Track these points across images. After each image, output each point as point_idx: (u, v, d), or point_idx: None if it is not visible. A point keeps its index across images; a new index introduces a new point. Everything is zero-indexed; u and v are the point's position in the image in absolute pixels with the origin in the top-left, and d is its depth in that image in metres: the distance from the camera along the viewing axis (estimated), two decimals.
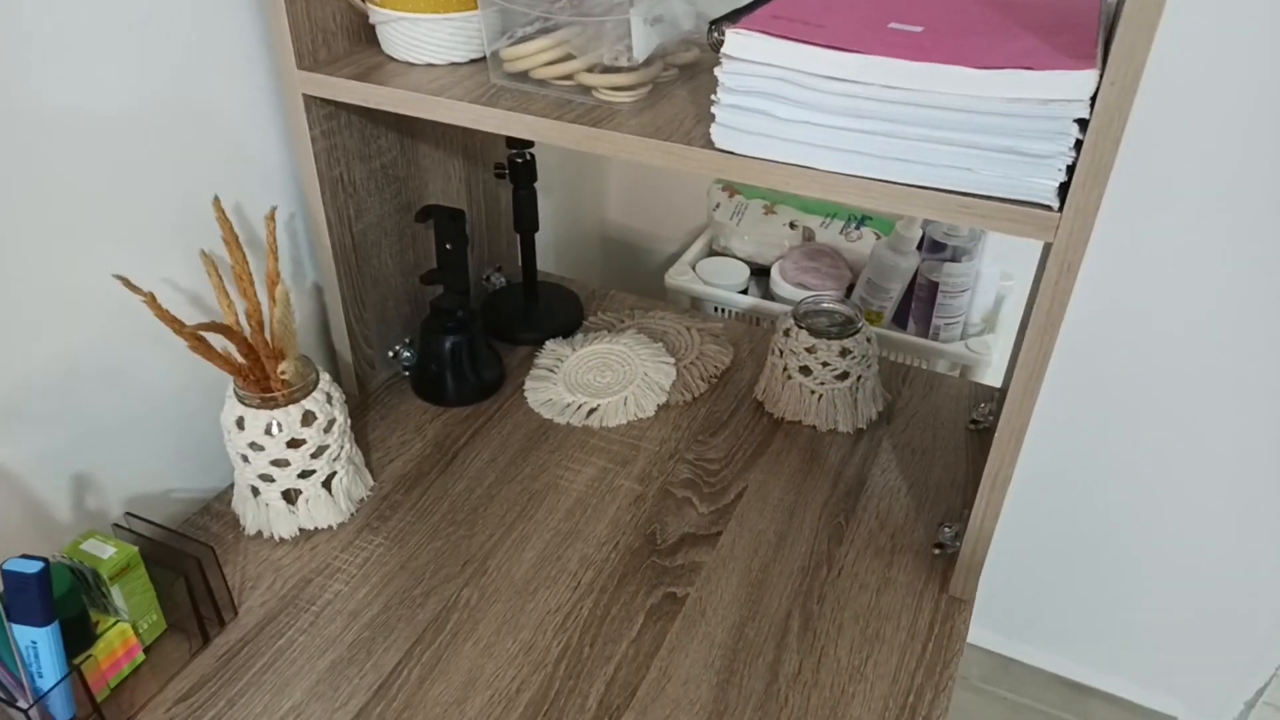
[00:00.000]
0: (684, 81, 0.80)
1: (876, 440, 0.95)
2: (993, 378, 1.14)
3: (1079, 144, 0.57)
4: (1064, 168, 0.58)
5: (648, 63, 0.75)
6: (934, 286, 1.14)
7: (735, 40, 0.62)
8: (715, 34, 0.64)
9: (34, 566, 0.58)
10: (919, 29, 0.65)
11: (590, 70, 0.76)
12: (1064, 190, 0.59)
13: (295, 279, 0.94)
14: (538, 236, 1.11)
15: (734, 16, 0.65)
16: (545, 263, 1.39)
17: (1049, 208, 0.59)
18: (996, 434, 0.70)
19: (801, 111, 0.63)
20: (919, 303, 1.19)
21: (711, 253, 1.32)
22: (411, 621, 0.76)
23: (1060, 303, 0.62)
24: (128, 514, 0.74)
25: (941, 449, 0.94)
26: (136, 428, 0.81)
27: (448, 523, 0.85)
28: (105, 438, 0.78)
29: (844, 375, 0.93)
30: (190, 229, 0.81)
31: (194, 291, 0.83)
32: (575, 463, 0.92)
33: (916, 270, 1.17)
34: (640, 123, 0.72)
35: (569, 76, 0.77)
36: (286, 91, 0.82)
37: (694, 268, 1.26)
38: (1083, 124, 0.57)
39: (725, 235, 1.31)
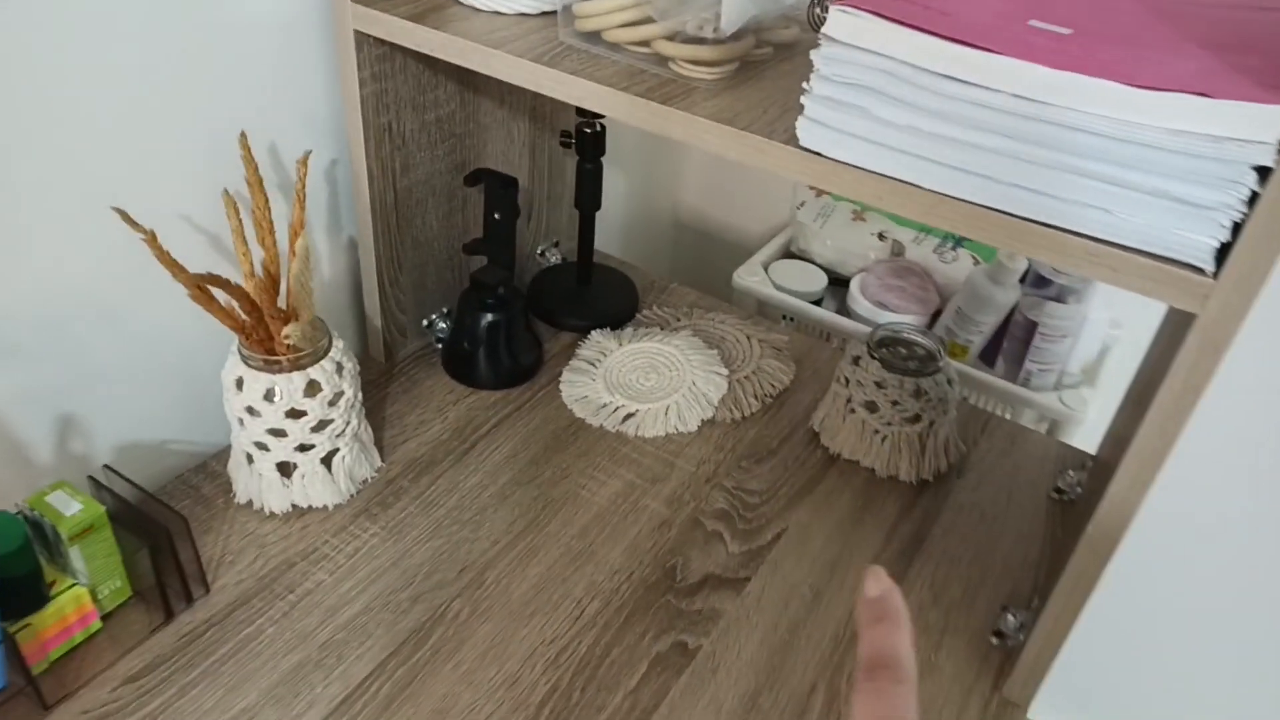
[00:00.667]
0: (778, 62, 0.69)
1: (942, 495, 0.84)
2: (1085, 438, 1.01)
3: (1253, 197, 0.45)
4: (1229, 224, 0.46)
5: (737, 36, 0.65)
6: (1032, 326, 1.01)
7: (840, 20, 0.52)
8: (817, 9, 0.53)
9: None
10: (1067, 31, 0.53)
11: (670, 38, 0.66)
12: (1222, 252, 0.47)
13: (330, 231, 0.87)
14: (603, 214, 1.02)
15: None
16: (608, 243, 1.30)
17: (1202, 271, 0.47)
18: (1090, 526, 0.58)
19: (908, 114, 0.52)
20: (1012, 341, 1.06)
21: (788, 254, 1.22)
22: (392, 629, 0.68)
23: (1196, 387, 0.50)
24: (106, 467, 0.68)
25: (1016, 517, 0.83)
26: (133, 371, 0.74)
27: (452, 520, 0.77)
28: (97, 379, 0.72)
29: (915, 418, 0.82)
30: (217, 165, 0.74)
31: (215, 233, 0.76)
32: (601, 472, 0.83)
33: (1015, 305, 1.04)
34: (718, 105, 0.62)
35: (646, 43, 0.67)
36: (338, 25, 0.74)
37: (766, 269, 1.16)
38: (1262, 173, 0.45)
39: (806, 237, 1.20)
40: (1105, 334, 1.07)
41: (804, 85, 0.55)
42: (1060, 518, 0.83)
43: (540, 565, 0.74)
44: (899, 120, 0.53)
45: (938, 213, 0.54)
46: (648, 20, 0.66)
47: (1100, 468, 0.83)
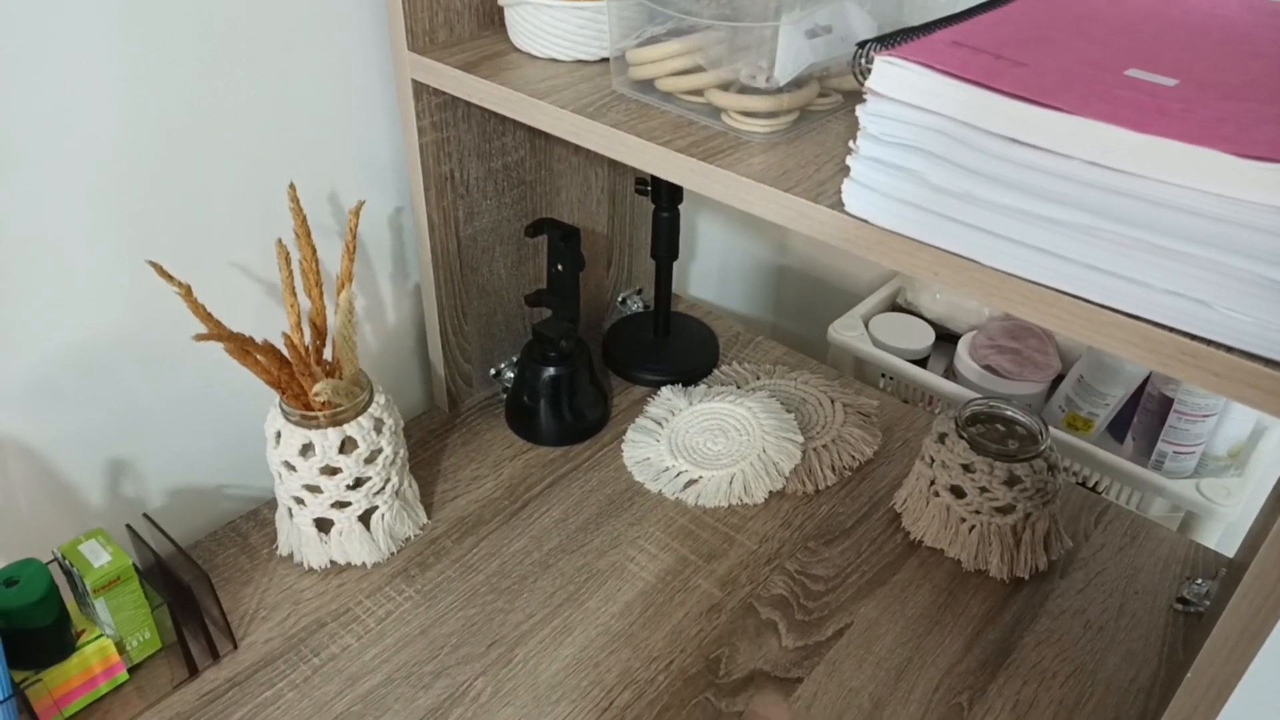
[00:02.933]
0: (846, 113, 0.62)
1: (1040, 597, 0.74)
2: (1227, 537, 0.87)
3: None
4: None
5: (796, 84, 0.59)
6: (1168, 403, 0.88)
7: (885, 73, 0.45)
8: (862, 59, 0.47)
9: None
10: (1172, 82, 0.44)
11: (724, 88, 0.60)
12: None
13: (395, 279, 0.86)
14: (698, 257, 0.97)
15: (898, 37, 0.48)
16: (704, 287, 1.24)
17: None
18: (1204, 653, 0.48)
19: (966, 181, 0.45)
20: (1145, 416, 0.93)
21: (894, 307, 1.12)
22: (409, 706, 0.65)
23: None
24: (145, 516, 0.69)
25: (1128, 629, 0.71)
26: (186, 417, 0.75)
27: (489, 589, 0.73)
28: (149, 424, 0.73)
29: (1006, 509, 0.72)
30: (275, 214, 0.74)
31: (270, 282, 0.76)
32: (653, 544, 0.77)
33: (1148, 377, 0.92)
34: (765, 162, 0.56)
35: (699, 92, 0.62)
36: (397, 74, 0.73)
37: (867, 323, 1.07)
38: None
39: (914, 288, 1.10)
40: (1259, 414, 0.92)
41: (850, 144, 0.49)
42: (1182, 634, 0.71)
43: (574, 645, 0.69)
44: (955, 187, 0.45)
45: (1001, 294, 0.46)
46: (699, 69, 0.61)
47: (1235, 575, 0.70)
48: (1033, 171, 0.42)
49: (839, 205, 0.51)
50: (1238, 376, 0.40)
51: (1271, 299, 0.38)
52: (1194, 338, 0.40)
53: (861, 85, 0.47)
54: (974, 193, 0.45)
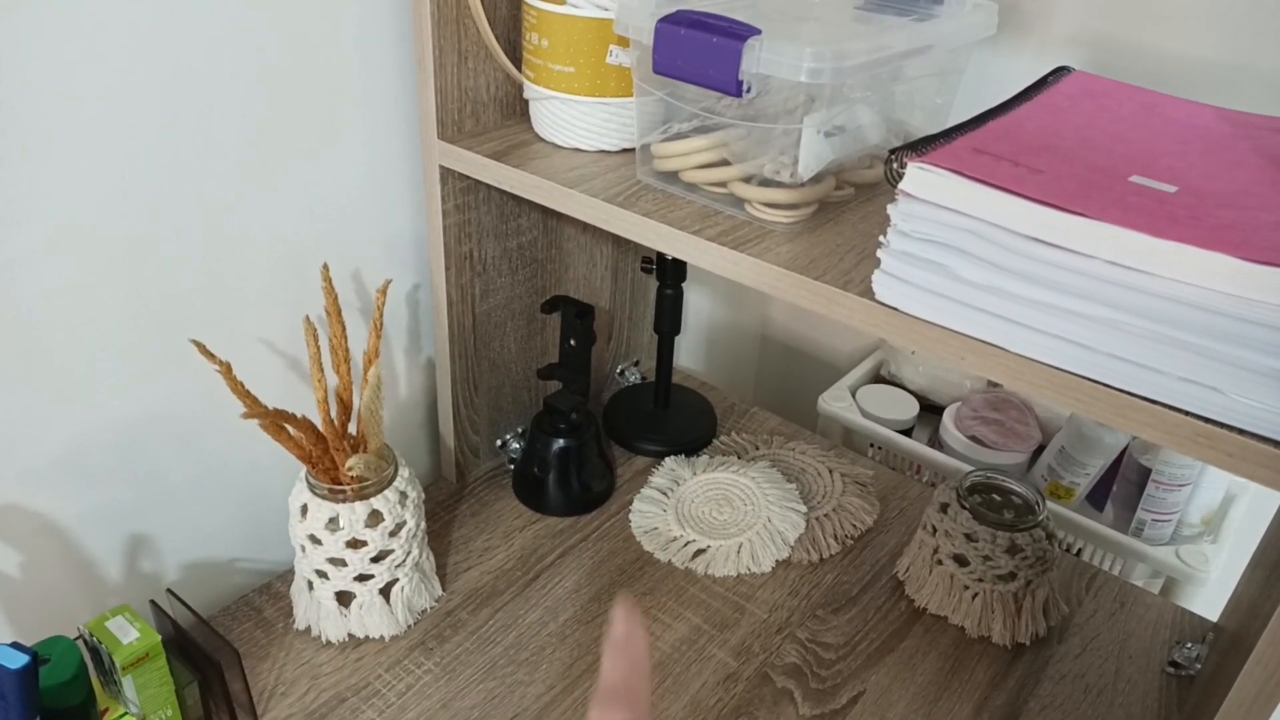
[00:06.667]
0: (859, 204, 0.67)
1: (1041, 663, 0.77)
2: (1206, 601, 0.91)
3: None
4: None
5: (816, 179, 0.63)
6: (1146, 473, 0.93)
7: (918, 177, 0.49)
8: (895, 164, 0.51)
9: (18, 660, 0.52)
10: (1171, 189, 0.49)
11: (747, 180, 0.64)
12: None
13: (409, 352, 0.88)
14: (685, 329, 1.00)
15: (923, 144, 0.52)
16: (693, 359, 1.28)
17: None
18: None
19: (994, 275, 0.49)
20: (1124, 485, 0.98)
21: (878, 379, 1.17)
22: None
23: None
24: (169, 591, 0.69)
25: (1125, 693, 0.75)
26: (204, 491, 0.75)
27: (508, 660, 0.74)
28: (169, 499, 0.73)
29: (1009, 576, 0.76)
30: (301, 291, 0.76)
31: (295, 357, 0.78)
32: (667, 614, 0.79)
33: (1126, 447, 0.97)
34: (792, 251, 0.60)
35: (723, 184, 0.66)
36: (425, 160, 0.76)
37: (854, 394, 1.11)
38: None
39: (897, 361, 1.15)
40: (1230, 481, 0.98)
41: (880, 239, 0.53)
42: (1175, 695, 0.75)
43: None
44: (983, 281, 0.49)
45: (1026, 378, 0.50)
46: (724, 162, 0.65)
47: (1225, 640, 0.74)
48: (1057, 269, 0.47)
49: (867, 293, 0.55)
50: (1250, 457, 0.44)
51: (1275, 387, 0.42)
52: (1209, 421, 0.45)
53: (894, 187, 0.51)
54: (1001, 286, 0.49)
